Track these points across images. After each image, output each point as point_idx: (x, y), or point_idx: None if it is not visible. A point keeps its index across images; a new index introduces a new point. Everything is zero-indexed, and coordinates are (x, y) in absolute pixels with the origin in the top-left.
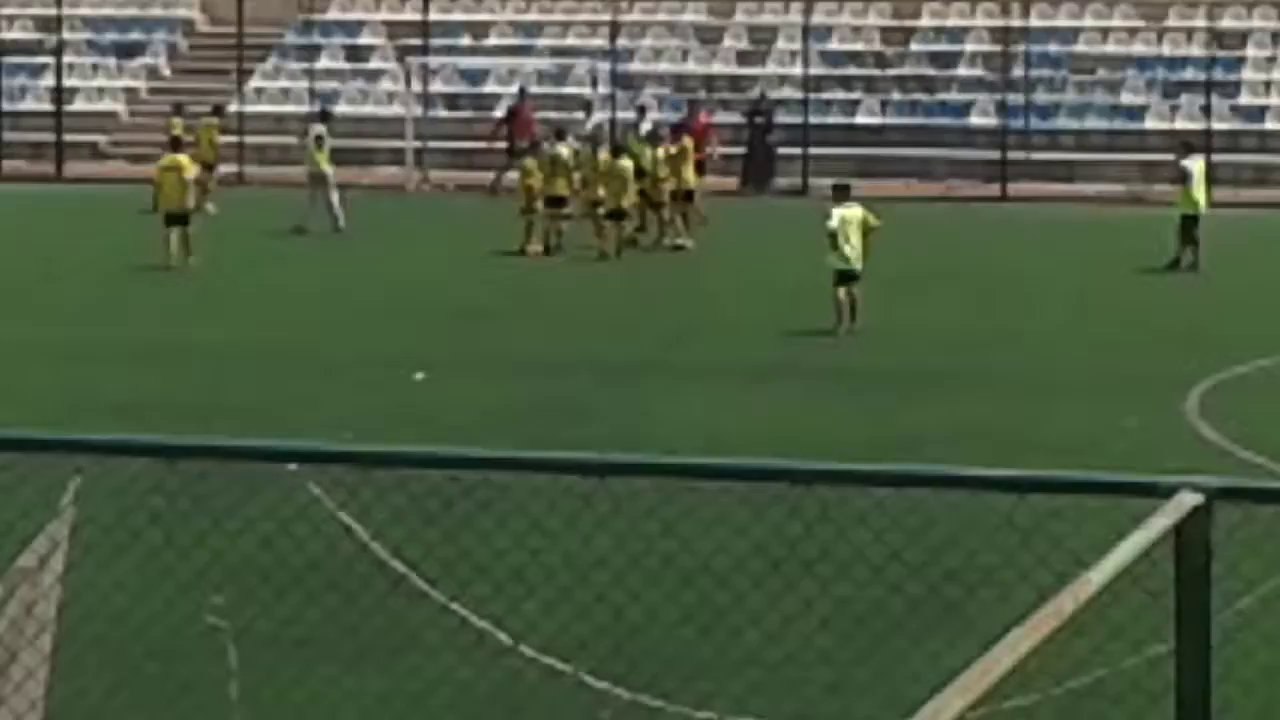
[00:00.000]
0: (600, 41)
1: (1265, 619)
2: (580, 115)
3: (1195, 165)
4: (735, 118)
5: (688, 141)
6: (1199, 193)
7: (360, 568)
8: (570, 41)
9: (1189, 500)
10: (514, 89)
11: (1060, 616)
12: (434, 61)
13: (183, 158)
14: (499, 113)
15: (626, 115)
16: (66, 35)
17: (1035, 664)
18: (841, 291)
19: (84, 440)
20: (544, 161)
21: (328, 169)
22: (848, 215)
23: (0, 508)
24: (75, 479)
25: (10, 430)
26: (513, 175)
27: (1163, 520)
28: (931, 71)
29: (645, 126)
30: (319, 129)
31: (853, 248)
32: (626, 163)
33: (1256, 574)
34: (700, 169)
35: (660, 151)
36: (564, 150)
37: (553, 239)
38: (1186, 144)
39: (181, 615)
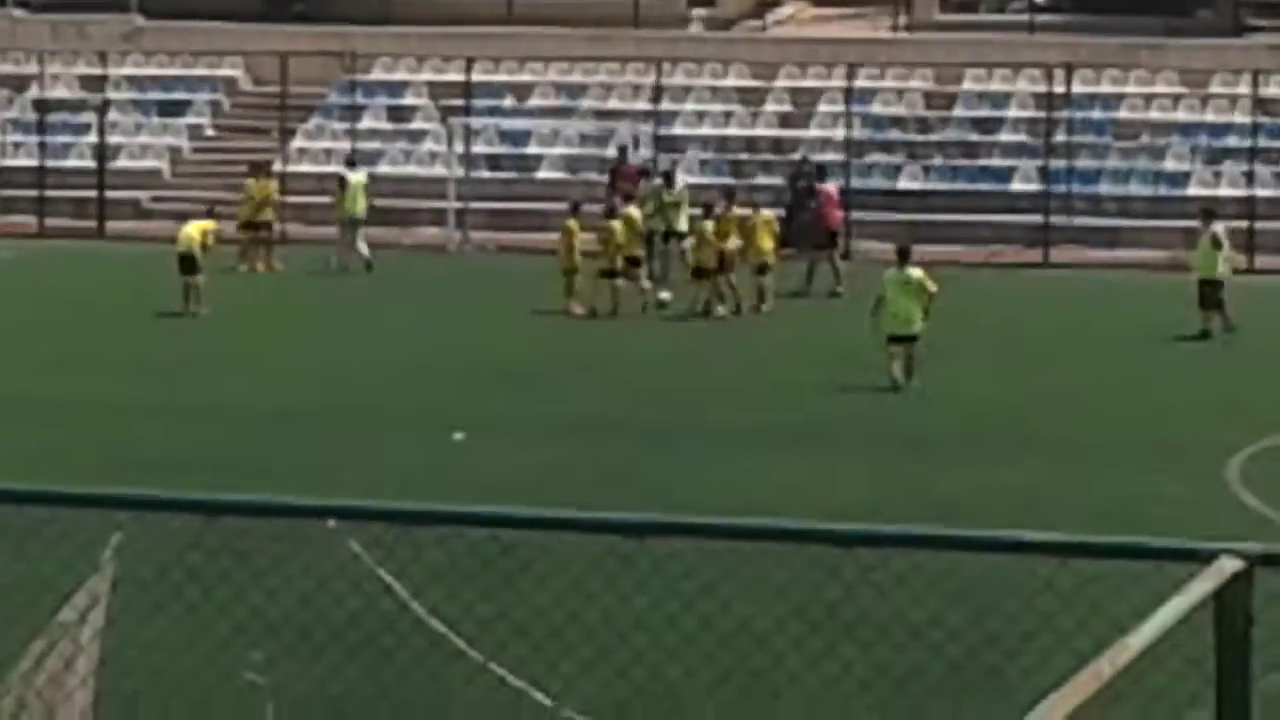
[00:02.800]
0: (643, 104)
1: None
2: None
3: (1223, 230)
4: (777, 180)
5: (766, 214)
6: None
7: (399, 625)
8: (613, 104)
9: (1229, 566)
10: (556, 151)
11: (1098, 680)
12: (476, 122)
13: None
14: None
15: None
16: (111, 94)
17: None
18: (894, 350)
19: (125, 496)
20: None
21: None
22: (899, 277)
23: (40, 562)
24: (116, 534)
25: (50, 485)
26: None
27: (1203, 586)
28: (974, 137)
29: (678, 189)
30: (359, 176)
31: (899, 310)
32: (709, 224)
33: None
34: (833, 239)
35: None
36: (635, 212)
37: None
38: (1209, 211)
39: (220, 671)
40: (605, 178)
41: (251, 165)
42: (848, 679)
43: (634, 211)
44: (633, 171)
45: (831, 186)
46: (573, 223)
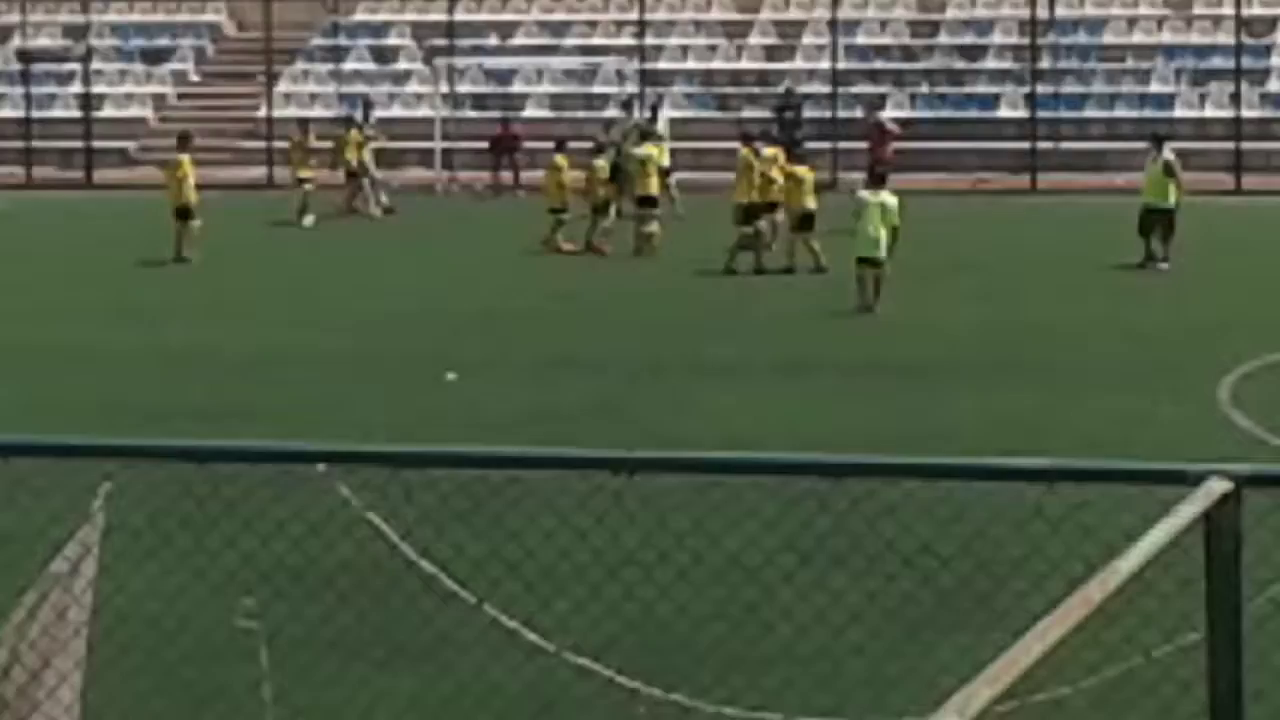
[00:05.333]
0: (627, 40)
1: None
2: (618, 114)
3: (1174, 158)
4: (763, 113)
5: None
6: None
7: (390, 568)
8: (597, 40)
9: (1218, 487)
10: (542, 89)
11: (1089, 605)
12: (461, 62)
13: (184, 158)
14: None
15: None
16: (94, 42)
17: (1066, 654)
18: (862, 273)
19: (114, 445)
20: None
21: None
22: (874, 201)
23: (32, 513)
24: (105, 484)
25: (41, 436)
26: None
27: (1192, 508)
28: (959, 64)
29: (661, 125)
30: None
31: (875, 233)
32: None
33: None
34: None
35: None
36: (653, 150)
37: (641, 241)
38: (1159, 136)
39: (213, 618)
40: (580, 115)
41: (346, 118)
42: (839, 609)
43: (651, 150)
44: (507, 136)
45: (885, 118)
46: (560, 159)
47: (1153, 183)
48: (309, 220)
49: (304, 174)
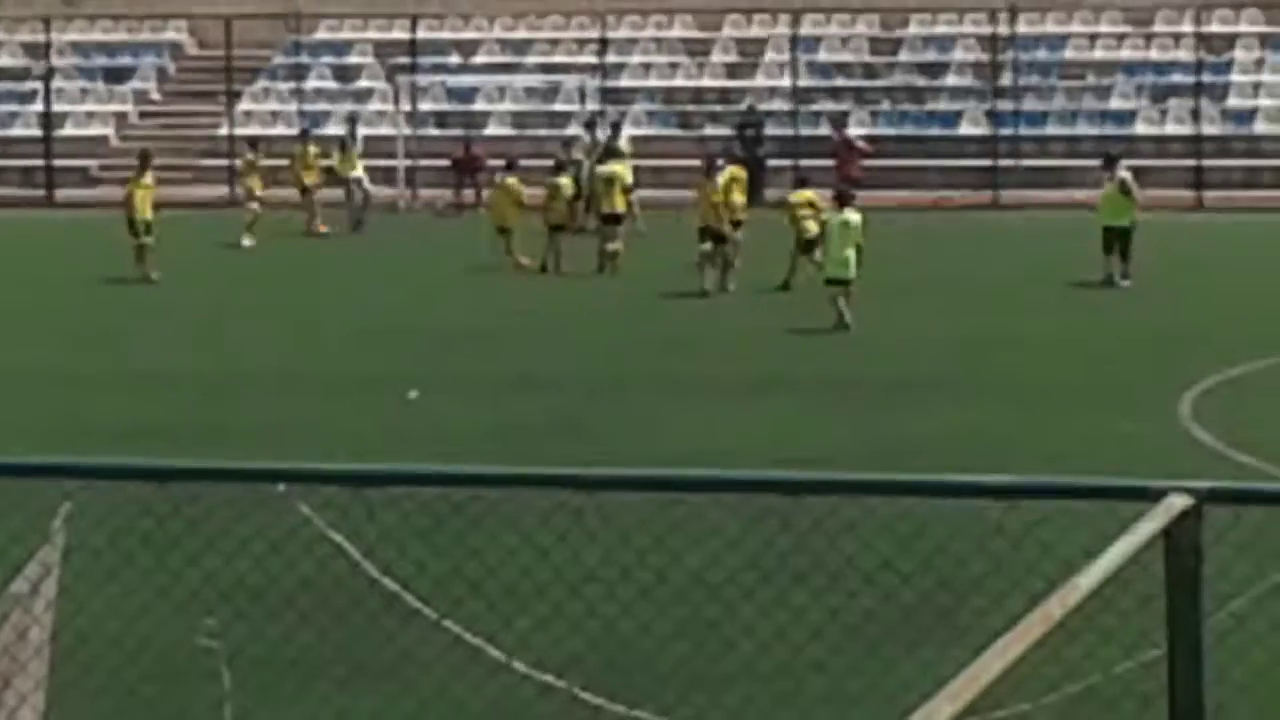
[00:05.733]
0: (589, 58)
1: (1257, 620)
2: (580, 132)
3: (1130, 176)
4: (725, 130)
5: (738, 171)
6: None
7: (352, 587)
8: (559, 58)
9: (1178, 503)
10: (503, 107)
11: (1049, 621)
12: (422, 80)
13: (135, 177)
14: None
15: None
16: (55, 61)
17: (1028, 670)
18: (833, 292)
19: (74, 464)
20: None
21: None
22: (838, 221)
23: None
24: (66, 504)
25: (0, 457)
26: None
27: (1151, 524)
28: (920, 81)
29: (622, 142)
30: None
31: (841, 254)
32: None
33: (1248, 575)
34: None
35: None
36: (618, 168)
37: (605, 259)
38: (1111, 156)
39: (175, 638)
40: (541, 133)
41: (301, 132)
42: (801, 626)
43: (617, 168)
44: (469, 157)
45: (852, 134)
46: (511, 180)
47: (1108, 202)
48: (247, 241)
49: (256, 192)
